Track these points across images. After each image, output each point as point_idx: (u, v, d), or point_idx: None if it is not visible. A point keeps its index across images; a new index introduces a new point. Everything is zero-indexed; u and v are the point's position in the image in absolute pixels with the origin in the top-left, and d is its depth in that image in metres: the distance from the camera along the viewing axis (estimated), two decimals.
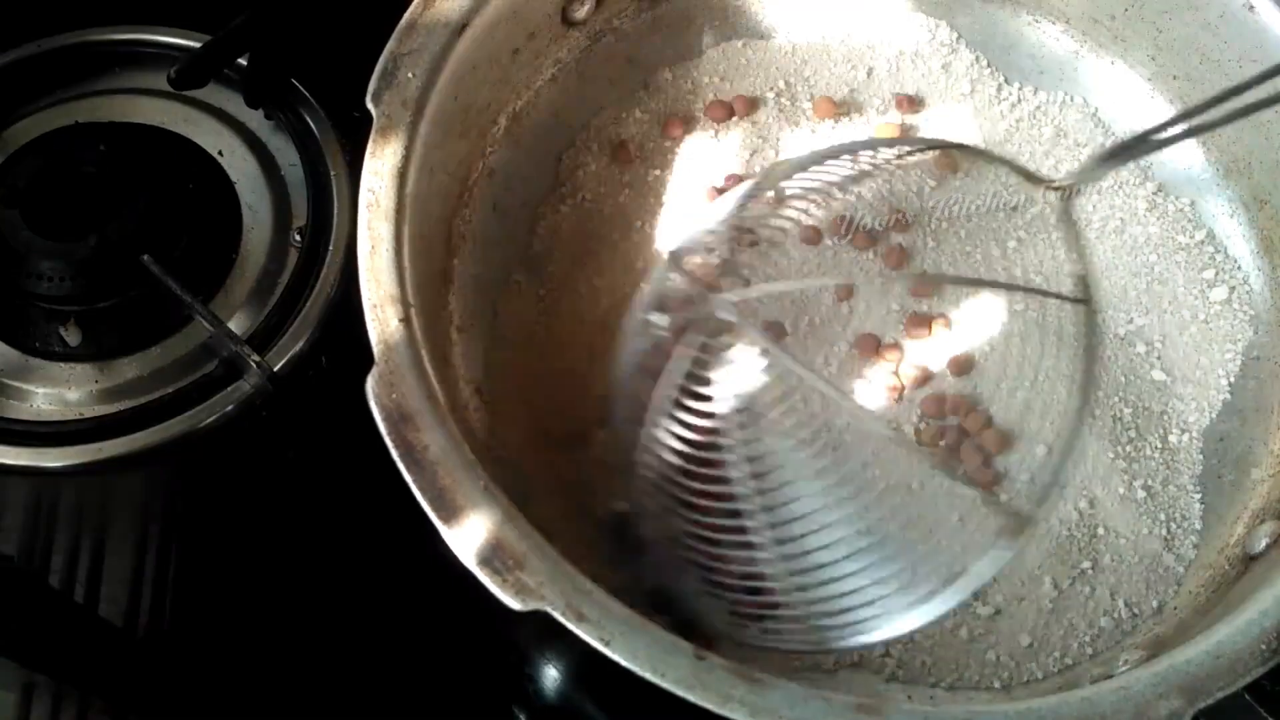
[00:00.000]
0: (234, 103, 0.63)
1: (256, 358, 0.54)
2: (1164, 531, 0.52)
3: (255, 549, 0.60)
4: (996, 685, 0.49)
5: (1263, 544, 0.50)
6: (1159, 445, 0.54)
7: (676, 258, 0.48)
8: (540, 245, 0.58)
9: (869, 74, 0.63)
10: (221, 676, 0.58)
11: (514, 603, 0.41)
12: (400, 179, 0.50)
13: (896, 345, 0.56)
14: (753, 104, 0.61)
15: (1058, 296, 0.51)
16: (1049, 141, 0.61)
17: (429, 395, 0.45)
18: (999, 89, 0.63)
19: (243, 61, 0.61)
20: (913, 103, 0.62)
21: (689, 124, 0.61)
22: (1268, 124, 0.57)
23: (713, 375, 0.46)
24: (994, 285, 0.55)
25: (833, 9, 0.64)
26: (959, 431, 0.54)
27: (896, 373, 0.55)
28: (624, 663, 0.40)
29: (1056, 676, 0.50)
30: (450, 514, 0.43)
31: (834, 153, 0.51)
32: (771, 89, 0.62)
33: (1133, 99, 0.62)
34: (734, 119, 0.61)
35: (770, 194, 0.50)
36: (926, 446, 0.53)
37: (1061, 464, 0.48)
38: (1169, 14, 0.59)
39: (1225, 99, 0.46)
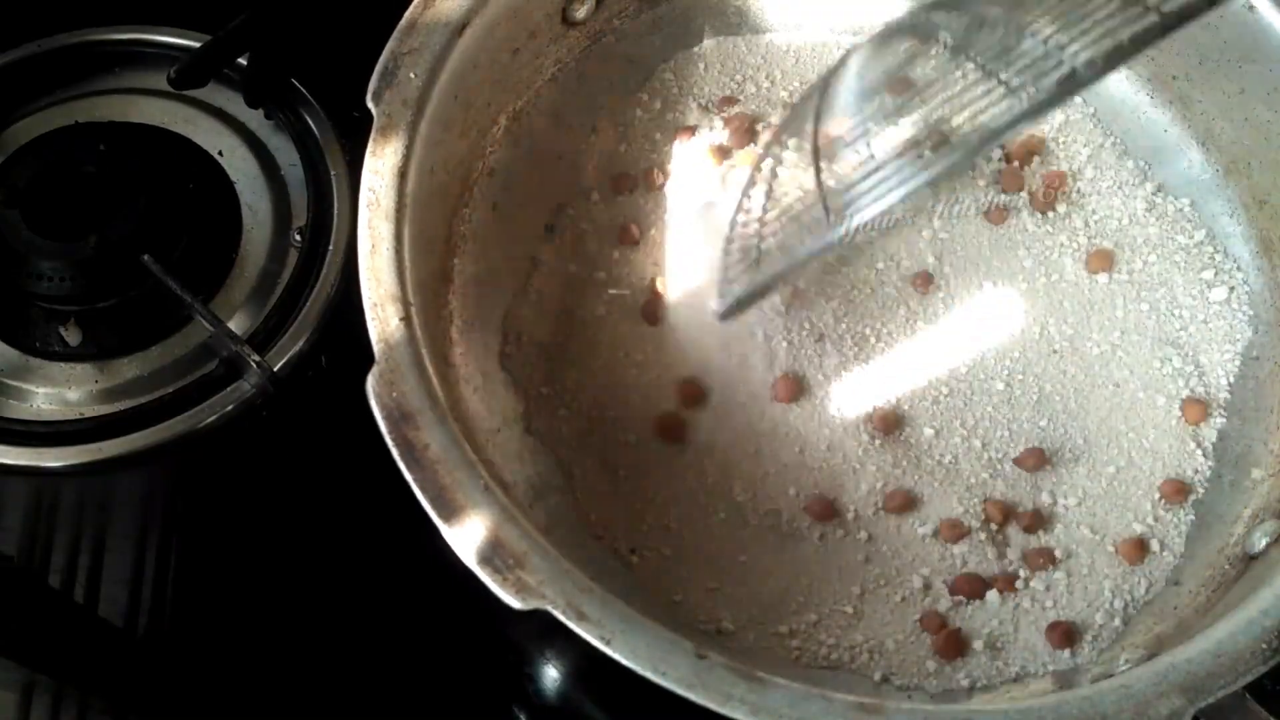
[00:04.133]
0: (234, 103, 0.63)
1: (256, 358, 0.54)
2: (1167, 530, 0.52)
3: (255, 549, 0.60)
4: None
5: (1263, 544, 0.50)
6: (1159, 444, 0.54)
7: None
8: (541, 244, 0.58)
9: None
10: (221, 676, 0.58)
11: (515, 601, 0.41)
12: (401, 178, 0.50)
13: None
14: (753, 102, 0.61)
15: None
16: (1049, 141, 0.61)
17: (429, 394, 0.45)
18: None
19: (243, 61, 0.61)
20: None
21: (691, 125, 0.61)
22: (1267, 124, 0.57)
23: None
24: None
25: (833, 9, 0.64)
26: None
27: None
28: (625, 661, 0.40)
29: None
30: (450, 513, 0.43)
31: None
32: (772, 87, 0.62)
33: (1133, 99, 0.62)
34: (735, 118, 0.61)
35: None
36: None
37: None
38: None
39: None
